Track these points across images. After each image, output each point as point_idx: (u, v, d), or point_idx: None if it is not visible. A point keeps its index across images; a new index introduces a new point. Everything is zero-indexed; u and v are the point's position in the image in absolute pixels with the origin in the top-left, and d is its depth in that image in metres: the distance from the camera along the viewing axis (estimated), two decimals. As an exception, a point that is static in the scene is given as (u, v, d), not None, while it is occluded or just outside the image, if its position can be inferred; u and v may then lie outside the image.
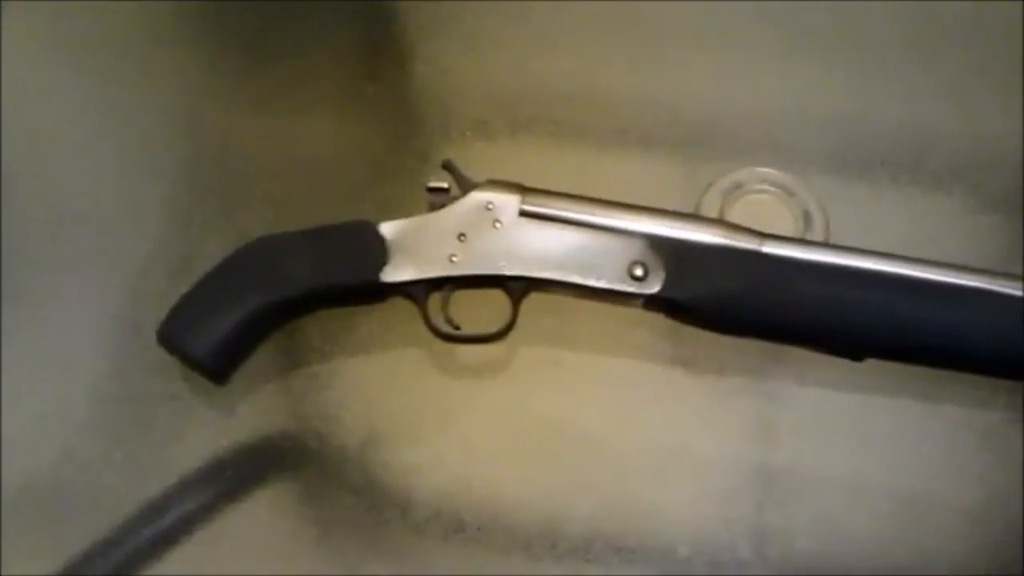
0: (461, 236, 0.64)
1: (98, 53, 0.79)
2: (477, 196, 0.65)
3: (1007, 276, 0.63)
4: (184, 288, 0.64)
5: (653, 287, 0.64)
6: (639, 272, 0.64)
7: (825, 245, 0.67)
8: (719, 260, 0.64)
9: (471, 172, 0.66)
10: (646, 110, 0.76)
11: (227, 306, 0.63)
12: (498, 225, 0.64)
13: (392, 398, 0.67)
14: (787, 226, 0.71)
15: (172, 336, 0.63)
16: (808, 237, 0.70)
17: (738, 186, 0.72)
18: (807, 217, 0.71)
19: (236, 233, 0.69)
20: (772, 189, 0.72)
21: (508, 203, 0.65)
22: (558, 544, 0.63)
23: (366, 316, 0.68)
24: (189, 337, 0.62)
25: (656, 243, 0.64)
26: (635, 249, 0.64)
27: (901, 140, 0.74)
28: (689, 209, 0.71)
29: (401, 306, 0.67)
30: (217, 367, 0.63)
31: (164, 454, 0.65)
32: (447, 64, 0.78)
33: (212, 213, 0.72)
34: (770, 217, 0.71)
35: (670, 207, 0.66)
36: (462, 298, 0.66)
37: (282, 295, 0.63)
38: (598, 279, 0.64)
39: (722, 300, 0.64)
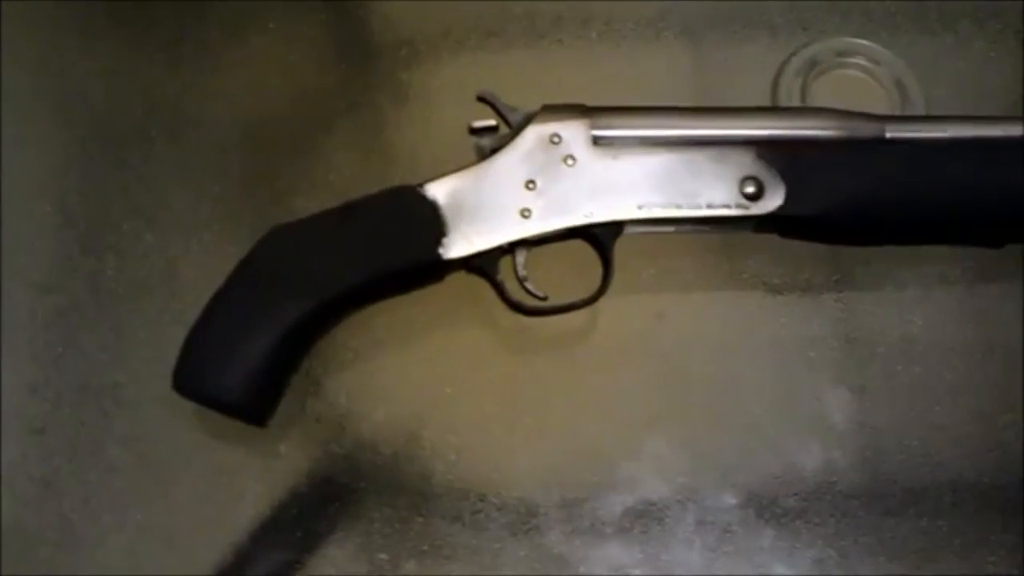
0: (530, 184, 0.51)
1: None
2: (537, 129, 0.52)
3: None
4: (179, 312, 0.51)
5: (772, 204, 0.52)
6: (751, 189, 0.52)
7: (946, 118, 0.55)
8: (842, 157, 0.53)
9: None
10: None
11: (256, 326, 0.48)
12: (571, 162, 0.51)
13: (466, 398, 0.54)
14: (881, 101, 0.60)
15: (193, 379, 0.48)
16: (907, 110, 0.60)
17: (813, 64, 0.61)
18: (900, 87, 0.60)
19: (226, 226, 0.57)
20: (855, 61, 0.61)
21: (576, 132, 0.52)
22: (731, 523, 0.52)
23: (408, 303, 0.54)
24: (215, 376, 0.48)
25: (765, 150, 0.52)
26: (743, 162, 0.52)
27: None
28: (764, 102, 0.60)
29: (445, 282, 0.53)
30: (257, 407, 0.49)
31: (205, 522, 0.51)
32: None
33: (185, 209, 0.57)
34: (860, 94, 0.60)
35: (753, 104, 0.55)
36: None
37: (322, 298, 0.49)
38: (708, 206, 0.52)
39: (853, 204, 0.53)
